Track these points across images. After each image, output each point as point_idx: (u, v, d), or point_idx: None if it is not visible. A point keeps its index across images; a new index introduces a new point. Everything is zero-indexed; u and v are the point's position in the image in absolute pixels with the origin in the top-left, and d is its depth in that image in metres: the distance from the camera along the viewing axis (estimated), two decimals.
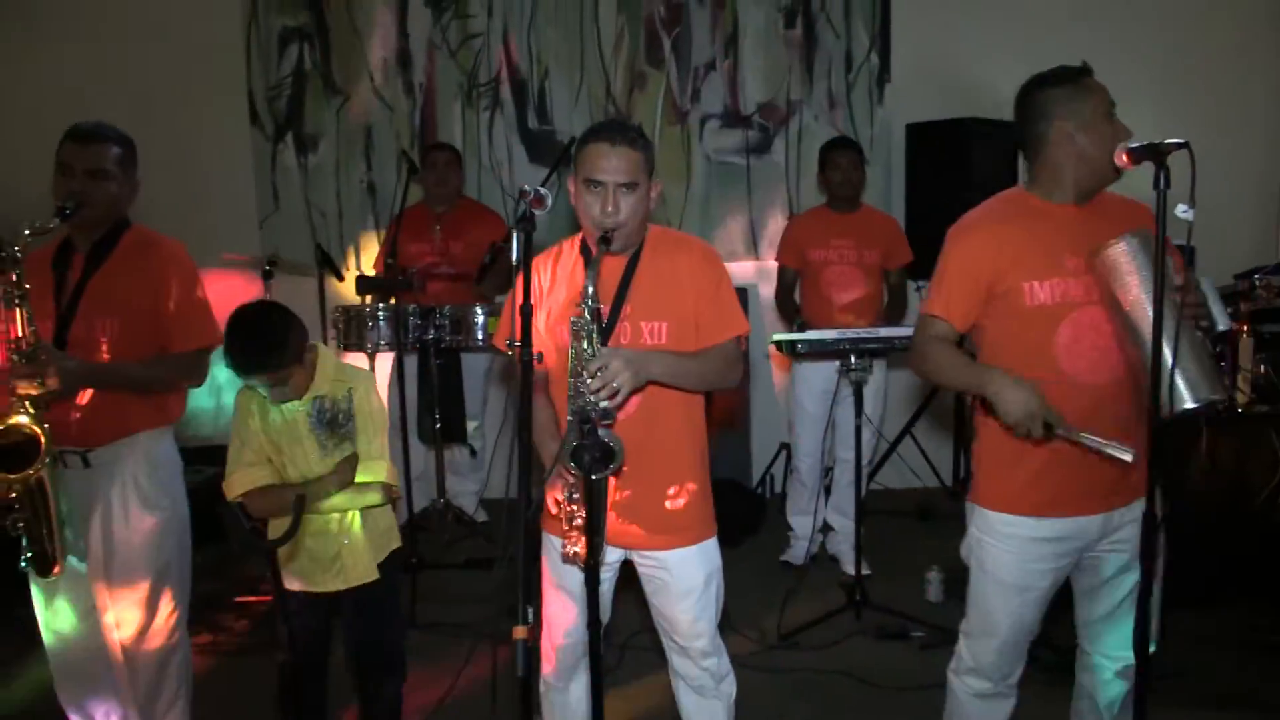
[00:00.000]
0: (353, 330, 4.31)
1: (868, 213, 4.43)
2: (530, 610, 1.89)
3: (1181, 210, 1.90)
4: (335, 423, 2.59)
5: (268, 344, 2.42)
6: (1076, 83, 2.26)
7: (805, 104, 5.49)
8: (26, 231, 2.44)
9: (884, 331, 3.86)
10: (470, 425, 5.01)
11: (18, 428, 2.38)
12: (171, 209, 4.28)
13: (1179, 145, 1.91)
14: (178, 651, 2.79)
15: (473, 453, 5.08)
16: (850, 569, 4.25)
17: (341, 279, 4.75)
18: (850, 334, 3.80)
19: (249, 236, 5.43)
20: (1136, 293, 2.05)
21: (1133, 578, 2.28)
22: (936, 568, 4.14)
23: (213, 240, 4.86)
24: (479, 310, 4.39)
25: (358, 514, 2.64)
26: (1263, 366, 4.13)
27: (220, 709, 3.22)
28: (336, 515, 2.61)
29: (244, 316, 2.43)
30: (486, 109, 5.50)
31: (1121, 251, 2.07)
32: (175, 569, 2.76)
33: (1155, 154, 1.95)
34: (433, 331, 4.37)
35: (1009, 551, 2.37)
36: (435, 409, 4.60)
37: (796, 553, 4.54)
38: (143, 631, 2.70)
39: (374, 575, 2.65)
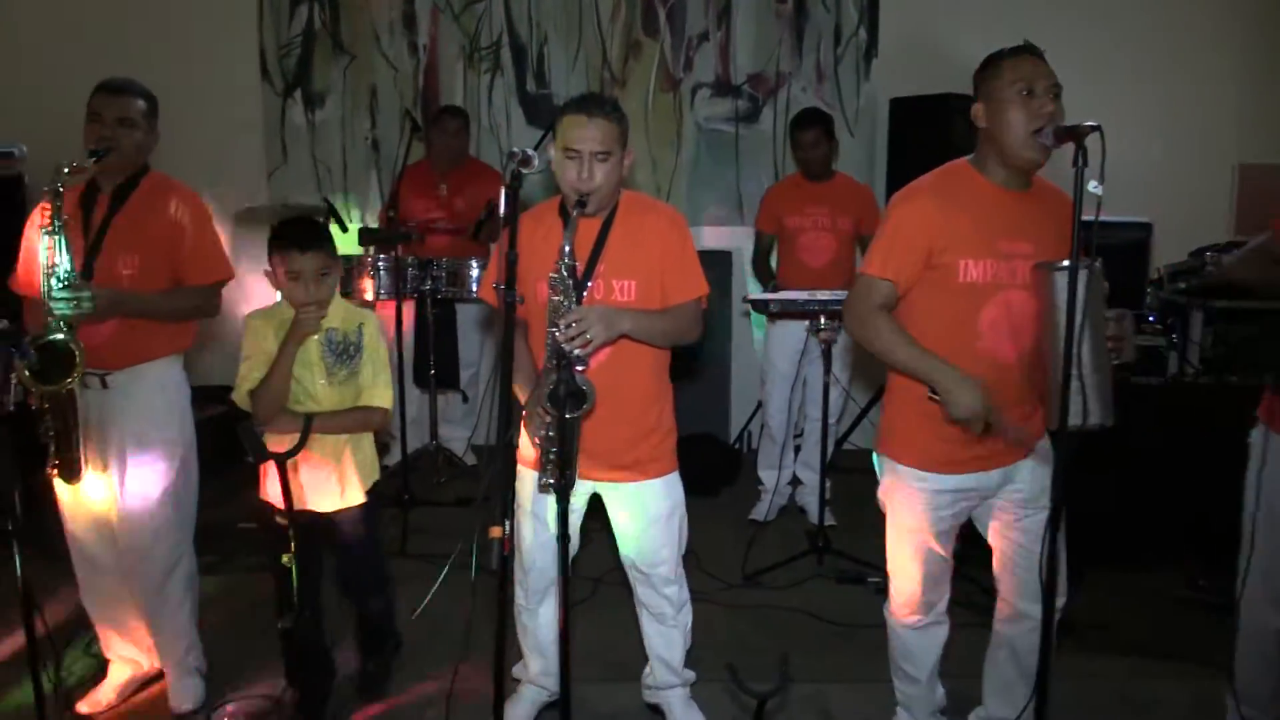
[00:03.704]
0: (354, 279, 4.56)
1: (842, 181, 4.65)
2: (507, 522, 2.16)
3: (1093, 186, 2.08)
4: (345, 353, 2.85)
5: (326, 229, 2.88)
6: (994, 63, 2.38)
7: (794, 76, 5.69)
8: (65, 170, 2.65)
9: None
10: (464, 374, 5.28)
11: (57, 343, 2.61)
12: (186, 159, 4.50)
13: (1093, 128, 2.07)
14: (184, 562, 3.05)
15: (465, 399, 5.35)
16: (815, 519, 4.51)
17: (345, 230, 4.98)
18: (820, 295, 4.01)
19: (258, 187, 5.66)
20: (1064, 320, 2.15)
21: (1038, 518, 2.46)
22: None
23: (225, 189, 5.09)
24: (474, 263, 4.63)
25: (350, 442, 2.91)
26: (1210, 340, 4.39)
27: (222, 619, 3.52)
28: (333, 440, 2.86)
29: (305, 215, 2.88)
30: (487, 72, 5.71)
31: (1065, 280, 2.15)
32: (182, 484, 3.01)
33: (1074, 135, 2.10)
34: (430, 282, 4.62)
35: (916, 502, 2.57)
36: (430, 356, 4.86)
37: (763, 507, 4.76)
38: (153, 540, 2.96)
39: (362, 498, 2.93)
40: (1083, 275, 2.10)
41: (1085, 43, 5.16)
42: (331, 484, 2.90)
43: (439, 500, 4.76)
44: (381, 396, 2.91)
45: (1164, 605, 3.85)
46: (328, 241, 2.83)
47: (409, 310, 4.82)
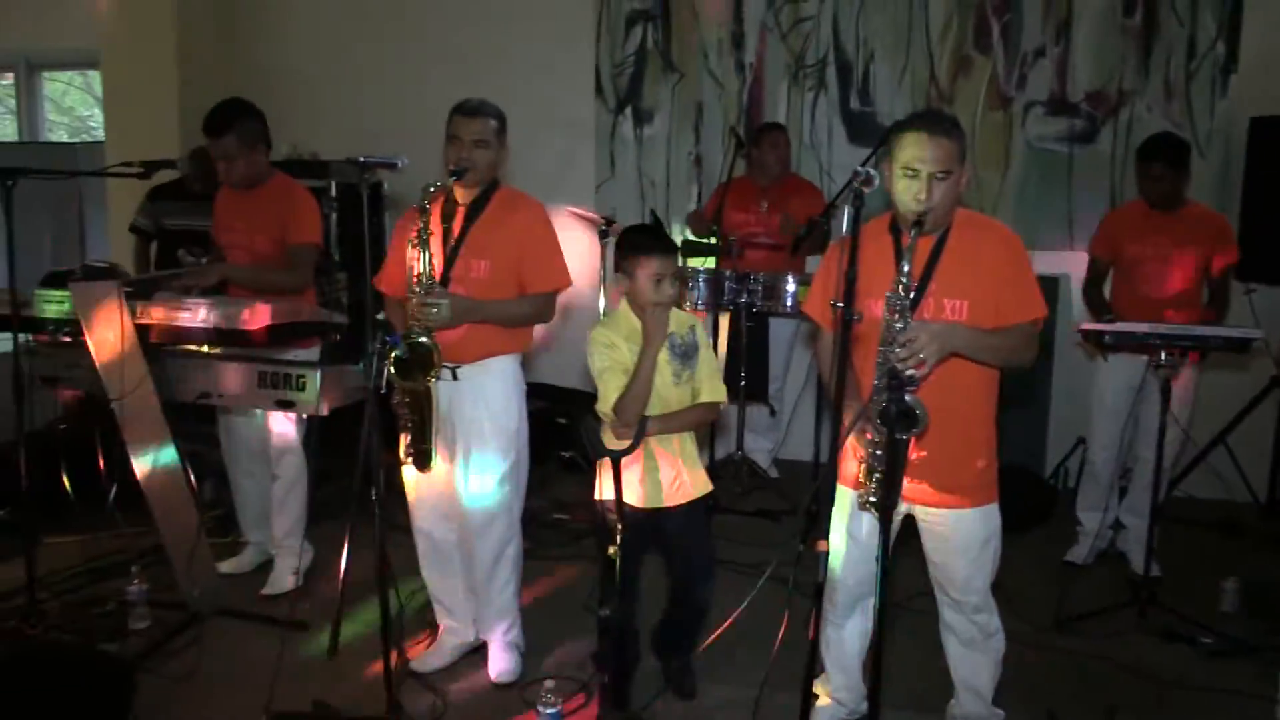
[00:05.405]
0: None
1: (1192, 209, 4.26)
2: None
3: None
4: (686, 355, 2.97)
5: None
6: None
7: (1139, 94, 5.33)
8: (432, 188, 2.97)
9: (1199, 330, 3.78)
10: (772, 387, 5.33)
11: (421, 345, 2.92)
12: (526, 170, 4.87)
13: None
14: (512, 542, 3.30)
15: (772, 412, 5.40)
16: (1139, 568, 4.20)
17: None
18: (1163, 329, 3.74)
19: (586, 198, 6.00)
20: None
21: None
22: (1235, 578, 4.01)
23: (556, 199, 5.45)
24: (790, 279, 4.68)
25: (688, 437, 3.02)
26: None
27: (534, 602, 3.74)
28: (679, 438, 2.98)
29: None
30: (811, 89, 5.75)
31: None
32: (515, 473, 3.27)
33: None
34: (746, 295, 4.72)
35: None
36: (741, 368, 4.96)
37: (1081, 550, 4.50)
38: (487, 523, 3.22)
39: (710, 485, 3.04)
40: None
41: None
42: (678, 479, 3.00)
43: (740, 509, 4.84)
44: (719, 391, 3.01)
45: None
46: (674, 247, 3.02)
47: (724, 321, 4.94)
